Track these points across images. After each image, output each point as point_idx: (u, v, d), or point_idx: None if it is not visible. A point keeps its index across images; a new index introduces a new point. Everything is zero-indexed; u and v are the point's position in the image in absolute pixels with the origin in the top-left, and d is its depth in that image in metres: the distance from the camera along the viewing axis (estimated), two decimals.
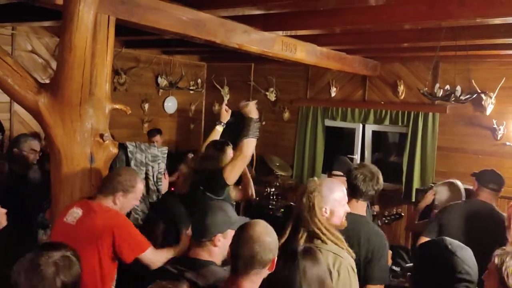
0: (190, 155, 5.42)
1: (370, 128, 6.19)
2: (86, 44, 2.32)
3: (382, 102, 5.93)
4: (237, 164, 2.86)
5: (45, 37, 5.49)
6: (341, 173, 3.48)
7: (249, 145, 2.86)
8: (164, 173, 2.89)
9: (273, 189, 5.61)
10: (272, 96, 6.86)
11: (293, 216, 2.22)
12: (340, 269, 2.02)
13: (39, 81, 2.46)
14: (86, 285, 2.14)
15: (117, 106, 2.77)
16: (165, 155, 2.86)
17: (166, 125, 7.14)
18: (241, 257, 1.66)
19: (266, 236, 1.68)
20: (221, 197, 2.80)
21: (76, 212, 2.34)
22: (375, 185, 2.53)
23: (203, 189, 2.83)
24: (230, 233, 1.91)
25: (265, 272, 1.68)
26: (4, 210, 2.24)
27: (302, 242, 2.09)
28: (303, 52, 4.45)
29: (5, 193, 3.08)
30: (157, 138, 5.70)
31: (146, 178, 2.74)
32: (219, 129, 3.50)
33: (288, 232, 2.18)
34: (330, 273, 1.97)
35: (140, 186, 2.46)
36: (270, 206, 5.40)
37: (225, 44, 3.63)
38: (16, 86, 2.34)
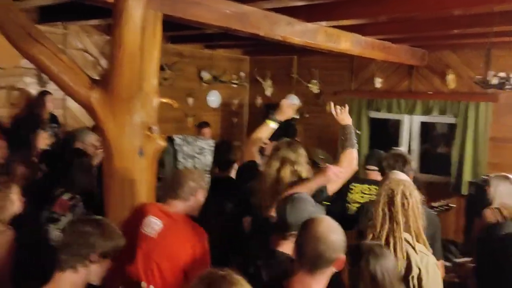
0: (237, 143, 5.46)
1: (417, 119, 6.00)
2: (135, 40, 2.39)
3: (430, 92, 5.73)
4: (345, 177, 2.60)
5: (94, 35, 5.70)
6: (376, 168, 3.36)
7: (355, 156, 2.64)
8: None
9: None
10: (315, 89, 6.79)
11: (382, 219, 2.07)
12: (428, 267, 1.99)
13: (91, 77, 2.57)
14: None
15: (164, 100, 2.84)
16: (212, 148, 2.90)
17: (209, 119, 7.21)
18: (305, 255, 1.63)
19: (332, 235, 1.63)
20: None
21: (155, 223, 2.25)
22: (402, 166, 2.49)
23: None
24: None
25: (331, 271, 1.66)
26: None
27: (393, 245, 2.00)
28: (347, 43, 4.37)
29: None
30: (206, 130, 5.78)
31: None
32: (273, 126, 2.96)
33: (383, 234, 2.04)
34: (420, 271, 1.95)
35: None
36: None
37: (269, 36, 3.63)
38: (71, 82, 2.46)
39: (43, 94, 4.88)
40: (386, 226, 2.03)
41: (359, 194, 3.31)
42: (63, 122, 5.47)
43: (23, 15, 2.42)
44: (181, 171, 2.42)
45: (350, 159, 2.62)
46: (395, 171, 2.41)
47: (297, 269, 1.67)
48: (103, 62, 5.75)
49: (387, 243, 2.00)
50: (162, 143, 2.74)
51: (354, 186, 3.33)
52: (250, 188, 2.54)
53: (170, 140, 2.80)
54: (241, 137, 7.86)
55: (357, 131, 2.73)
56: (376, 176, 3.36)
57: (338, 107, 2.85)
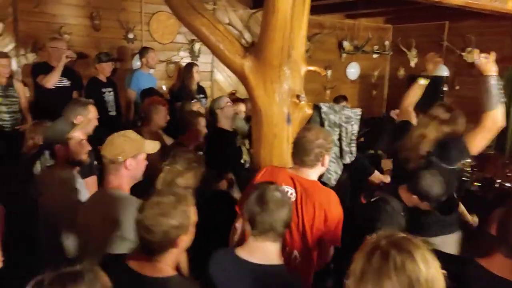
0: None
1: None
2: (287, 7, 2.40)
3: None
4: (488, 136, 2.47)
5: (239, 9, 5.94)
6: None
7: (500, 114, 2.42)
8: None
9: (468, 160, 5.06)
10: (469, 57, 6.10)
11: None
12: None
13: (244, 45, 2.66)
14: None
15: (311, 68, 2.81)
16: (359, 117, 2.81)
17: (348, 92, 7.06)
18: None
19: None
20: (455, 167, 2.56)
21: (289, 192, 2.20)
22: None
23: (437, 158, 2.53)
24: None
25: None
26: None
27: None
28: None
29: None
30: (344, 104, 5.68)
31: (340, 140, 2.75)
32: (422, 83, 2.98)
33: None
34: None
35: None
36: (463, 179, 4.89)
37: None
38: (226, 51, 2.58)
39: (191, 65, 5.24)
40: None
41: None
42: (211, 94, 5.88)
43: None
44: (307, 136, 2.24)
45: (495, 119, 2.39)
46: None
47: (496, 249, 1.50)
48: (247, 36, 5.99)
49: None
50: (309, 111, 2.74)
51: None
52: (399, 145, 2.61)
53: (317, 108, 2.78)
54: (380, 110, 7.53)
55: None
56: None
57: (482, 55, 2.51)
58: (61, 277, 1.07)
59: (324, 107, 2.76)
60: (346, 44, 6.79)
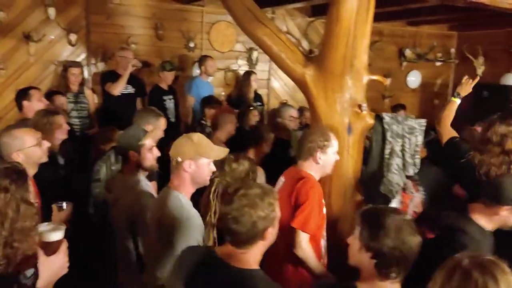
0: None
1: None
2: (351, 16, 2.38)
3: None
4: None
5: (297, 18, 5.95)
6: None
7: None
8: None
9: None
10: None
11: None
12: None
13: (306, 55, 2.66)
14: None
15: (374, 77, 2.75)
16: (423, 128, 2.70)
17: (408, 101, 6.84)
18: None
19: None
20: None
21: (281, 180, 2.47)
22: None
23: None
24: None
25: None
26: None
27: None
28: None
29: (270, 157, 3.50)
30: (401, 113, 5.50)
31: (403, 151, 2.65)
32: (457, 101, 2.97)
33: None
34: None
35: (335, 140, 2.40)
36: None
37: (494, 5, 3.15)
38: (288, 60, 2.60)
39: (248, 74, 5.31)
40: None
41: None
42: (267, 101, 5.92)
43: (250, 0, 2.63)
44: (304, 131, 2.51)
45: None
46: None
47: None
48: (305, 44, 5.98)
49: None
50: (371, 121, 2.68)
51: None
52: (472, 159, 2.52)
53: (378, 118, 2.71)
54: None
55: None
56: None
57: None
58: None
59: (387, 117, 2.69)
60: (408, 52, 6.59)
